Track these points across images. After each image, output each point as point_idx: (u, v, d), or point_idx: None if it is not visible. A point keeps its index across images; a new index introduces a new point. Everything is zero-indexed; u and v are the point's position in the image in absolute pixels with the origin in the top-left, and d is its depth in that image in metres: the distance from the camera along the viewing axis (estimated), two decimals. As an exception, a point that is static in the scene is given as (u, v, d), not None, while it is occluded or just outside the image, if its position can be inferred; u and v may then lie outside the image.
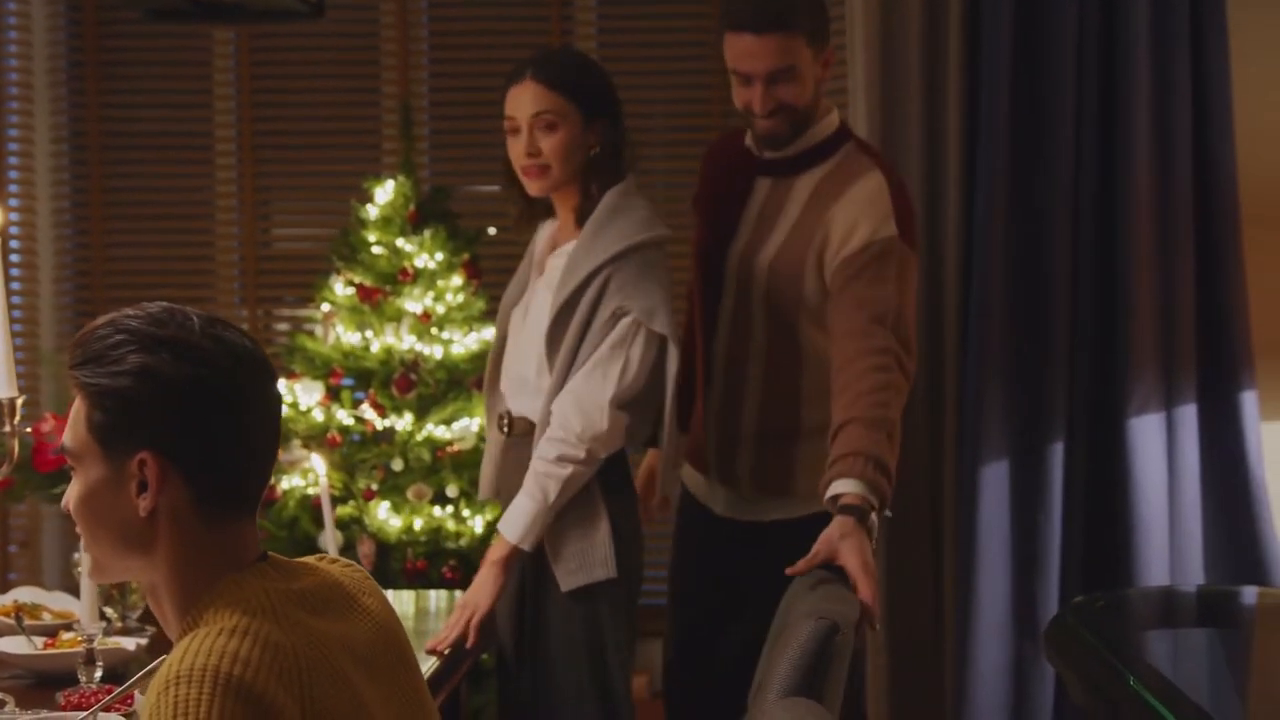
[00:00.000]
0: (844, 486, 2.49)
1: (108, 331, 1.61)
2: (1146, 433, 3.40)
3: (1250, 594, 3.29)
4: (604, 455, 2.71)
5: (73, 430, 1.63)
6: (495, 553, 2.72)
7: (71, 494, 1.65)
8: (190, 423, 1.60)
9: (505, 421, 2.85)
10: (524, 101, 2.73)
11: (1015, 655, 3.49)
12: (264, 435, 1.67)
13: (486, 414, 2.97)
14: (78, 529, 1.67)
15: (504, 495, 2.85)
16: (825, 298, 2.72)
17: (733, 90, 2.78)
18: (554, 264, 2.81)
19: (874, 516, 2.48)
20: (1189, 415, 3.42)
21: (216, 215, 4.40)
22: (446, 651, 2.66)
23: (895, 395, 2.58)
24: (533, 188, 2.77)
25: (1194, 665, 2.86)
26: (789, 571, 2.41)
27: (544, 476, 2.68)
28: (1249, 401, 3.42)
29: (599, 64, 2.92)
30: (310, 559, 1.74)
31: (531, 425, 2.77)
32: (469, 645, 2.69)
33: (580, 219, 2.76)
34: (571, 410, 2.68)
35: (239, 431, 1.63)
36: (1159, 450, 3.41)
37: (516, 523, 2.70)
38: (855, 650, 2.30)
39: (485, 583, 2.70)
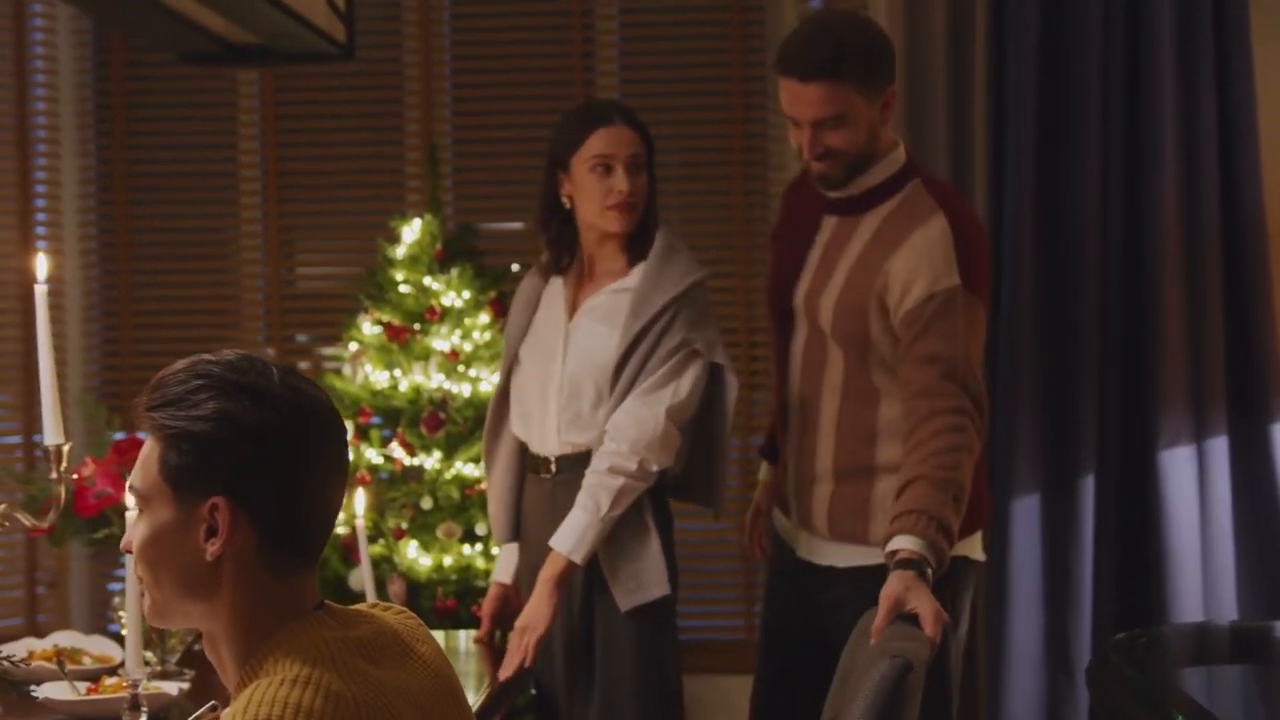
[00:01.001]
0: (904, 542, 2.50)
1: (186, 376, 1.62)
2: (1177, 464, 3.40)
3: (1277, 629, 3.28)
4: (655, 468, 2.82)
5: (143, 471, 1.64)
6: (549, 570, 2.79)
7: (135, 535, 1.65)
8: (265, 470, 1.61)
9: (553, 464, 2.91)
10: (621, 142, 2.88)
11: (1048, 688, 3.48)
12: (333, 487, 1.68)
13: (490, 455, 3.02)
14: (137, 571, 1.67)
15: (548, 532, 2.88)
16: (892, 342, 2.72)
17: (789, 131, 2.80)
18: (604, 302, 2.91)
19: (930, 573, 2.48)
20: (1220, 447, 3.42)
21: (242, 254, 4.42)
22: (511, 676, 2.75)
23: (967, 457, 2.59)
24: (621, 223, 2.89)
25: (1230, 702, 2.85)
26: (873, 640, 2.39)
27: (596, 488, 2.79)
28: (1279, 433, 3.42)
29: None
30: (363, 606, 1.75)
31: (589, 452, 2.86)
32: (527, 665, 2.77)
33: (631, 258, 2.91)
34: (626, 423, 2.80)
35: (311, 482, 1.64)
36: (1190, 482, 3.41)
37: (569, 536, 2.79)
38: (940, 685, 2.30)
39: (541, 601, 2.78)
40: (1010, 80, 3.51)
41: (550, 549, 2.80)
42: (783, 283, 2.87)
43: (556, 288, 2.98)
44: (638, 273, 2.88)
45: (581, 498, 2.79)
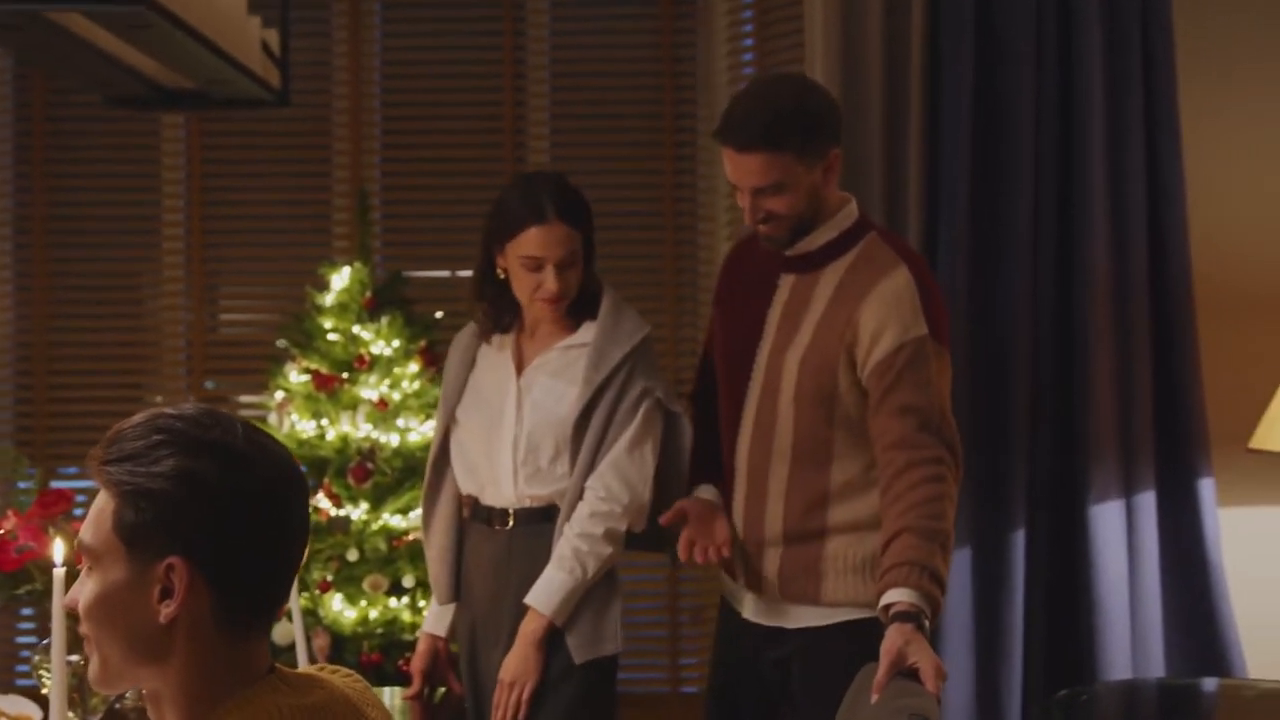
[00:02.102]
0: (898, 595, 2.48)
1: (145, 430, 1.56)
2: (1107, 520, 3.43)
3: (1211, 684, 3.32)
4: (633, 530, 2.85)
5: (95, 528, 1.57)
6: (531, 627, 2.79)
7: (83, 593, 1.58)
8: (227, 532, 1.55)
9: (510, 516, 2.88)
10: (551, 244, 2.83)
11: (979, 743, 3.49)
12: (294, 551, 1.62)
13: (429, 515, 2.97)
14: (83, 631, 1.60)
15: (507, 592, 2.85)
16: (859, 395, 2.70)
17: (736, 194, 2.80)
18: (555, 358, 2.90)
19: (927, 624, 2.47)
20: (1148, 502, 3.45)
21: (163, 299, 4.35)
22: None
23: (949, 505, 2.58)
24: (548, 314, 2.89)
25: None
26: (875, 695, 2.37)
27: (586, 554, 2.79)
28: (1206, 488, 3.46)
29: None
30: (313, 670, 1.71)
31: (550, 506, 2.86)
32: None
33: (575, 318, 2.91)
34: (619, 486, 2.81)
35: (273, 545, 1.59)
36: (1119, 537, 3.44)
37: (552, 597, 2.79)
38: None
39: (528, 655, 2.79)
40: (945, 142, 3.54)
41: (527, 606, 2.79)
42: (740, 345, 2.83)
43: (497, 345, 2.97)
44: (587, 330, 2.89)
45: (566, 559, 2.79)
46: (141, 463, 1.54)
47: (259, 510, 1.57)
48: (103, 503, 1.57)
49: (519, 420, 2.88)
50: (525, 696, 2.77)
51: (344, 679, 1.71)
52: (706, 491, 2.94)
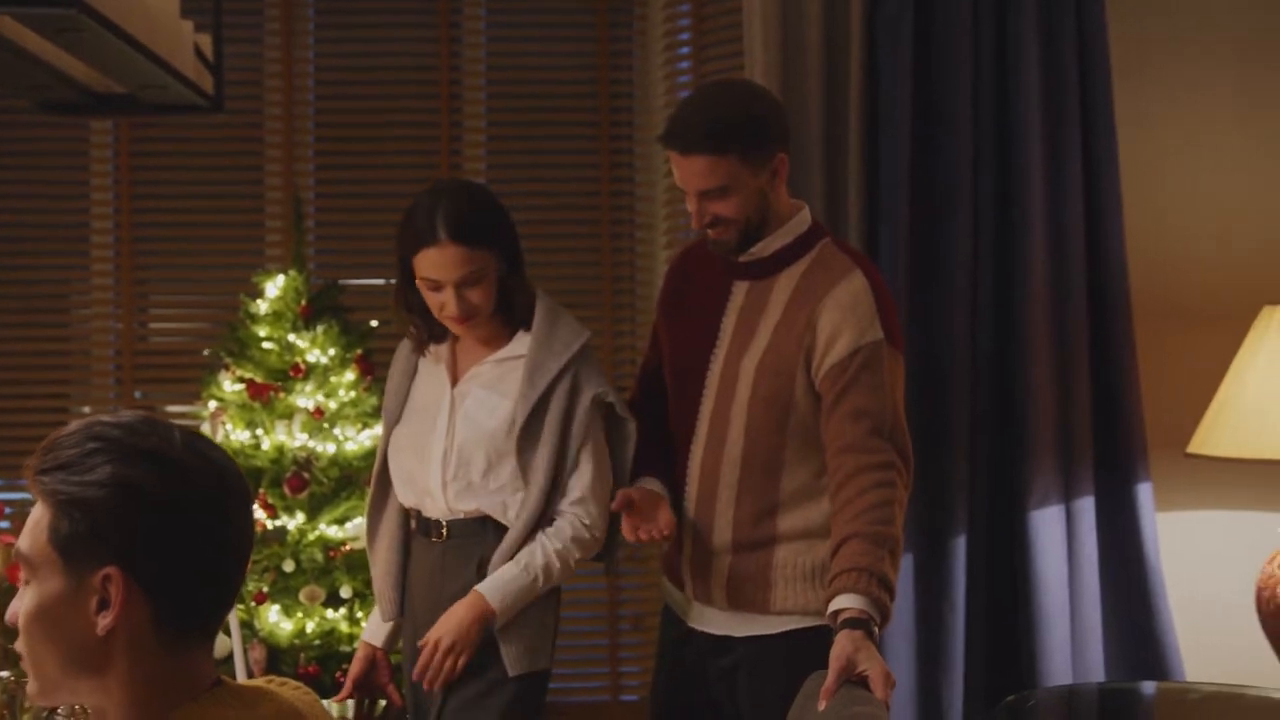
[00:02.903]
0: (847, 601, 2.47)
1: (81, 438, 1.52)
2: (1047, 525, 3.45)
3: (1150, 688, 3.34)
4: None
5: (31, 538, 1.53)
6: (474, 606, 2.72)
7: (21, 606, 1.54)
8: (164, 541, 1.51)
9: (443, 528, 2.82)
10: (446, 266, 2.72)
11: (921, 749, 3.49)
12: (235, 560, 1.59)
13: (373, 530, 2.91)
14: (18, 645, 1.57)
15: (442, 603, 2.78)
16: (813, 401, 2.69)
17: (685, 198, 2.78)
18: (488, 370, 2.83)
19: (877, 631, 2.46)
20: (1087, 507, 3.47)
21: (92, 308, 4.27)
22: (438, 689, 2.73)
23: (898, 510, 2.58)
24: (460, 330, 2.81)
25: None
26: (823, 703, 2.34)
27: (553, 570, 2.75)
28: (1144, 493, 3.48)
29: (487, 191, 2.88)
30: (261, 682, 1.67)
31: (474, 525, 2.79)
32: (437, 686, 2.73)
33: (509, 329, 2.84)
34: (599, 511, 2.78)
35: (213, 555, 1.55)
36: (1059, 542, 3.45)
37: (504, 590, 2.73)
38: None
39: (468, 630, 2.71)
40: (884, 150, 3.54)
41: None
42: (692, 352, 2.82)
43: (434, 356, 2.91)
44: (521, 341, 2.82)
45: (533, 566, 2.74)
46: (75, 471, 1.51)
47: (196, 519, 1.53)
48: (38, 513, 1.54)
49: (450, 433, 2.82)
50: (460, 665, 2.70)
51: (293, 691, 1.67)
52: (650, 483, 2.91)
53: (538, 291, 2.86)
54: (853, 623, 2.44)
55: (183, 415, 4.11)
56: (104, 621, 1.51)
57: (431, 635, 2.72)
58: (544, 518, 2.77)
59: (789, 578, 2.72)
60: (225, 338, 3.86)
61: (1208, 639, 3.57)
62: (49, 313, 4.29)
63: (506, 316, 2.82)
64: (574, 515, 2.77)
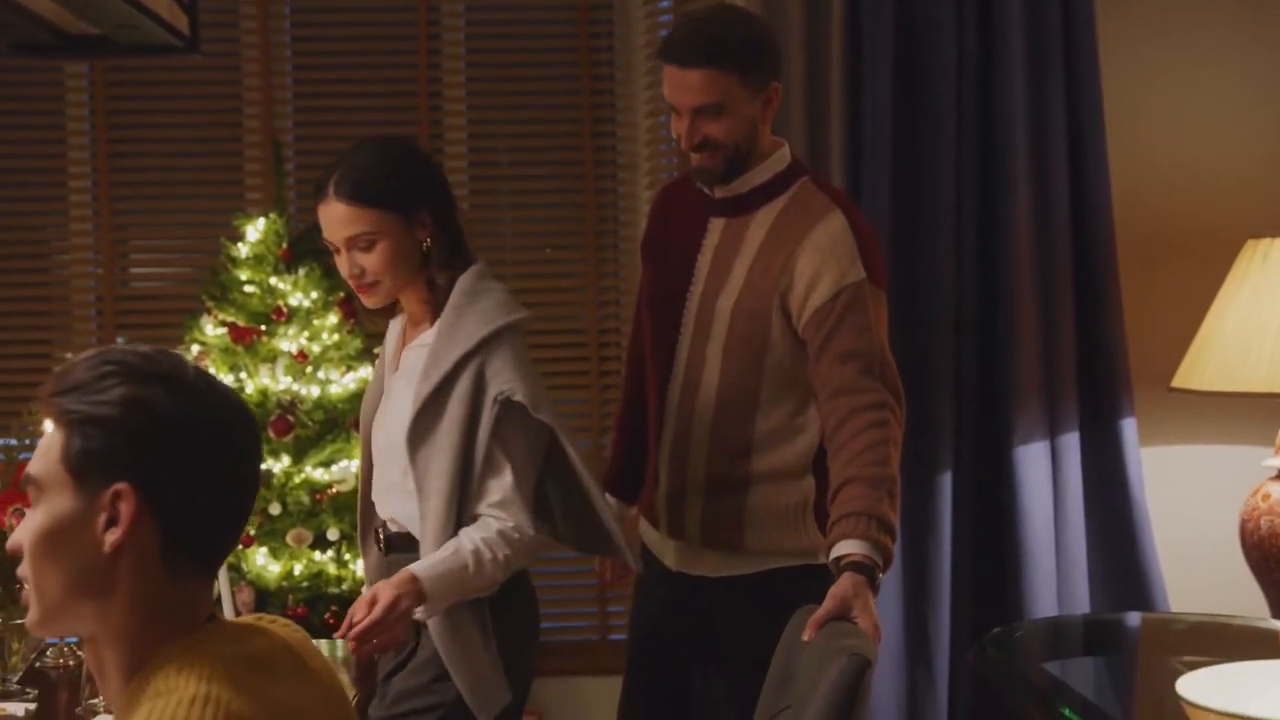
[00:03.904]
0: (849, 547, 2.47)
1: (95, 362, 1.55)
2: (1031, 461, 3.47)
3: (1134, 619, 3.36)
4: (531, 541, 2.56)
5: (42, 460, 1.54)
6: (404, 582, 2.42)
7: (28, 528, 1.55)
8: (176, 461, 1.53)
9: (380, 538, 2.64)
10: (331, 225, 2.54)
11: (908, 682, 3.52)
12: (245, 491, 1.60)
13: (361, 531, 2.74)
14: (21, 571, 1.57)
15: None
16: (791, 343, 2.68)
17: (671, 122, 2.75)
18: (410, 358, 2.62)
19: (880, 576, 2.46)
20: (1072, 443, 3.49)
21: (71, 254, 4.24)
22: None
23: (894, 449, 2.57)
24: (369, 303, 2.60)
25: (1084, 692, 2.91)
26: (809, 634, 2.35)
27: (485, 558, 2.46)
28: (1129, 428, 3.50)
29: (411, 150, 2.64)
30: (252, 619, 1.68)
31: (413, 539, 2.56)
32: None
33: (434, 310, 2.59)
34: (524, 517, 2.52)
35: (224, 481, 1.57)
36: (1044, 478, 3.47)
37: (434, 568, 2.44)
38: None
39: (394, 587, 2.40)
40: (866, 95, 3.54)
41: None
42: (669, 290, 2.80)
43: (390, 342, 2.71)
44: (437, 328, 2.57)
45: (464, 551, 2.46)
46: (89, 392, 1.53)
47: (208, 442, 1.55)
48: (50, 437, 1.55)
49: (381, 426, 2.65)
50: (379, 620, 2.37)
51: (284, 628, 1.68)
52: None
53: (473, 265, 2.59)
54: (856, 567, 2.44)
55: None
56: (112, 538, 1.52)
57: (374, 592, 2.42)
58: (456, 529, 2.50)
59: (762, 519, 2.72)
60: (207, 282, 3.84)
61: (1192, 572, 3.60)
62: (28, 258, 4.26)
63: (434, 296, 2.58)
64: (496, 517, 2.50)
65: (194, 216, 4.22)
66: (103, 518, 1.52)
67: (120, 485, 1.51)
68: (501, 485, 2.50)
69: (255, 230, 3.79)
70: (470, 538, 2.49)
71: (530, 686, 2.71)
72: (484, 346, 2.50)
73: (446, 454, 2.48)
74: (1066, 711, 2.50)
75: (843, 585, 2.42)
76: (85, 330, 4.24)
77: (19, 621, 2.63)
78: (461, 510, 2.50)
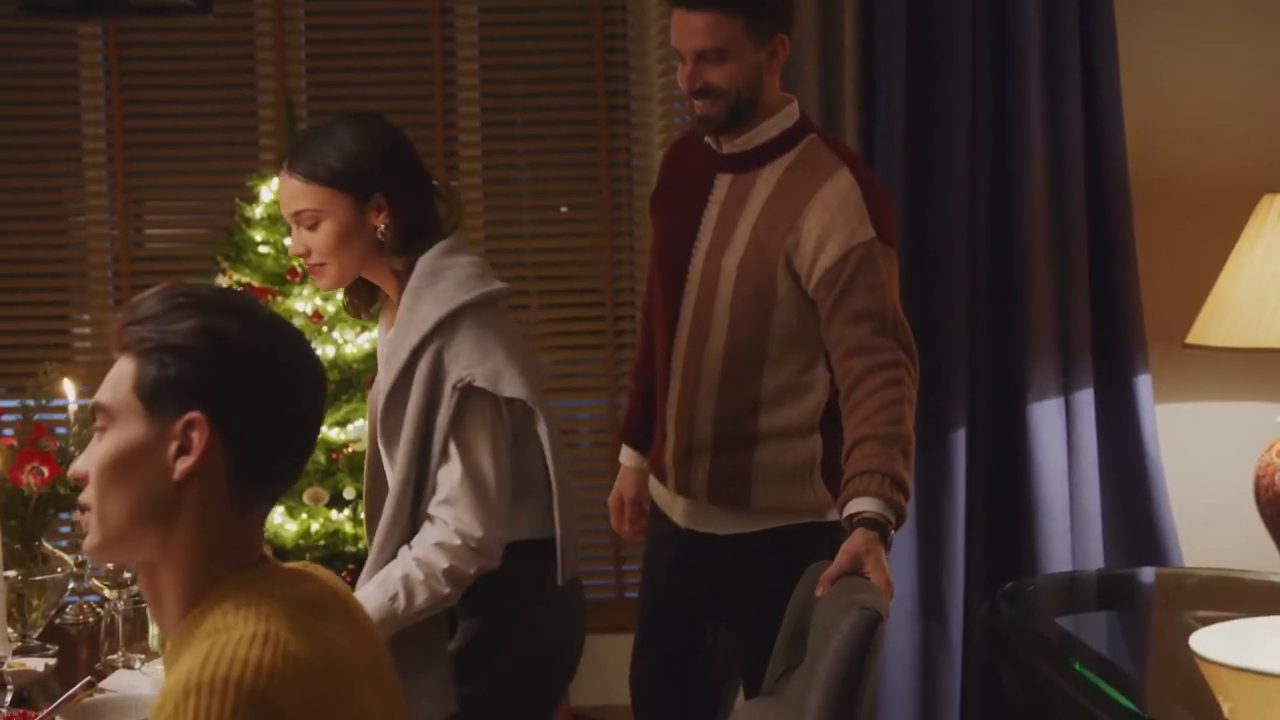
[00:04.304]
0: (862, 504, 2.47)
1: (167, 295, 1.57)
2: (1046, 418, 3.46)
3: (1148, 574, 3.37)
4: (488, 568, 2.38)
5: (113, 388, 1.56)
6: None
7: (95, 455, 1.57)
8: (248, 393, 1.55)
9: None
10: (284, 198, 2.44)
11: (922, 639, 3.53)
12: (310, 428, 1.62)
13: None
14: (85, 498, 1.59)
15: None
16: (798, 301, 2.67)
17: (678, 72, 2.73)
18: (383, 349, 2.52)
19: (892, 534, 2.47)
20: (1086, 400, 3.48)
21: (87, 215, 4.25)
22: None
23: (908, 408, 2.56)
24: (320, 285, 2.51)
25: (1098, 647, 2.93)
26: (821, 589, 2.36)
27: (419, 584, 2.31)
28: (1144, 385, 3.50)
29: (377, 130, 2.48)
30: (298, 565, 1.69)
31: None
32: None
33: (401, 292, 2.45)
34: (469, 516, 2.33)
35: (293, 415, 1.59)
36: (1058, 435, 3.47)
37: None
38: None
39: None
40: (880, 51, 3.52)
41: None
42: (675, 246, 2.79)
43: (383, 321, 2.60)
44: None
45: (392, 582, 2.31)
46: (164, 322, 1.55)
47: (278, 375, 1.57)
48: (122, 367, 1.57)
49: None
50: None
51: (329, 577, 1.69)
52: (628, 458, 3.02)
53: (432, 249, 2.42)
54: (868, 523, 2.45)
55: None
56: (183, 466, 1.53)
57: None
58: (412, 527, 2.37)
59: (769, 477, 2.72)
60: (221, 242, 3.85)
61: (1206, 528, 3.60)
62: (45, 220, 4.27)
63: (398, 280, 2.44)
64: (439, 521, 2.33)
65: (208, 177, 4.23)
66: (173, 446, 1.54)
67: (193, 414, 1.53)
68: (450, 480, 2.34)
69: (269, 190, 3.80)
70: (402, 561, 2.34)
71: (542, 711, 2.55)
72: (440, 330, 2.35)
73: (403, 450, 2.36)
74: (1077, 666, 2.51)
75: (855, 541, 2.42)
76: (102, 292, 4.25)
77: (39, 578, 2.65)
78: (417, 510, 2.38)
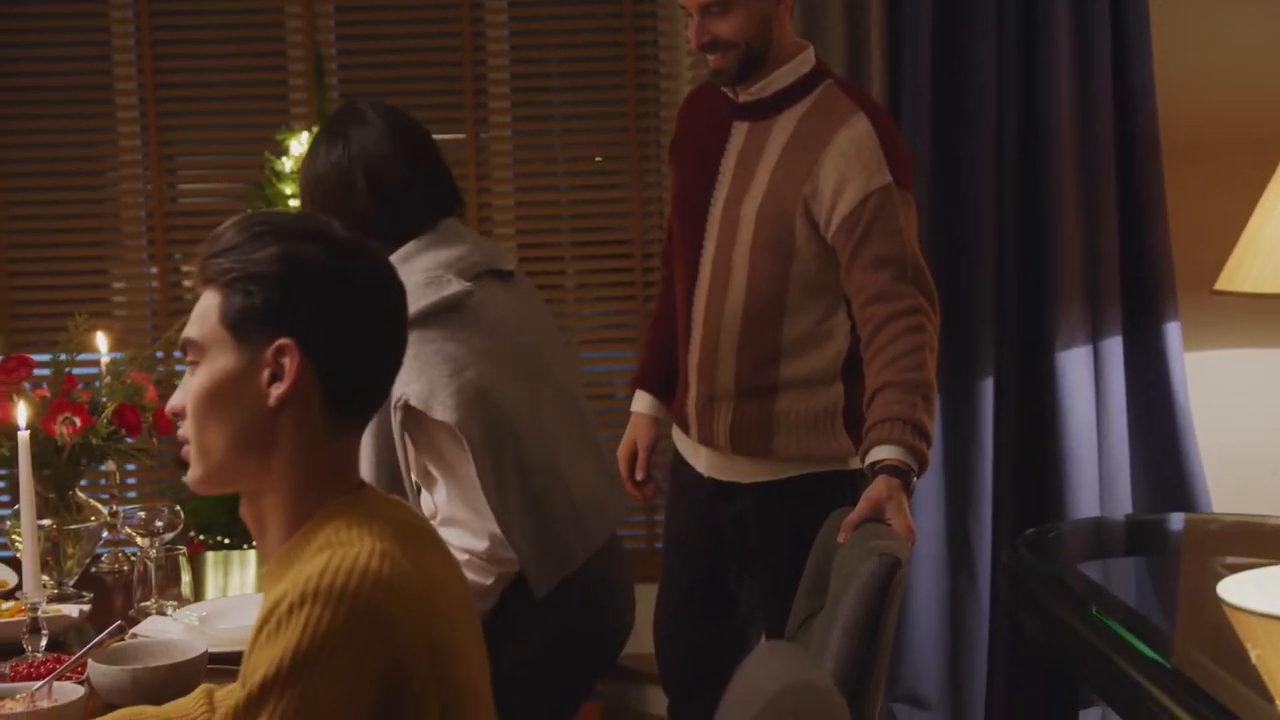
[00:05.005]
0: (884, 452, 2.47)
1: (246, 225, 1.58)
2: (1074, 365, 3.45)
3: (1177, 519, 3.36)
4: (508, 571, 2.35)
5: (201, 322, 1.58)
6: None
7: (189, 389, 1.59)
8: (335, 315, 1.56)
9: None
10: None
11: (950, 586, 3.54)
12: (396, 348, 1.63)
13: None
14: (183, 432, 1.61)
15: None
16: (817, 248, 2.66)
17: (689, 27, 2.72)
18: None
19: (914, 480, 2.47)
20: (1115, 347, 3.47)
21: (121, 171, 4.28)
22: None
23: (930, 355, 2.56)
24: None
25: (1125, 592, 2.93)
26: (843, 535, 2.37)
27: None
28: (1173, 333, 3.48)
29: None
30: (393, 495, 1.70)
31: None
32: None
33: None
34: (472, 529, 2.33)
35: (379, 337, 1.60)
36: (1086, 382, 3.46)
37: None
38: None
39: None
40: (906, 5, 3.50)
41: None
42: (694, 195, 2.78)
43: None
44: None
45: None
46: (245, 251, 1.55)
47: (363, 297, 1.58)
48: (207, 300, 1.58)
49: None
50: None
51: (416, 509, 1.71)
52: (643, 404, 3.00)
53: (399, 250, 2.38)
54: (890, 470, 2.45)
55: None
56: (278, 391, 1.55)
57: None
58: None
59: (791, 425, 2.72)
60: (252, 196, 3.87)
61: (1235, 475, 3.59)
62: (80, 176, 4.30)
63: None
64: (445, 541, 2.21)
65: (239, 131, 4.25)
66: (266, 373, 1.55)
67: (283, 340, 1.54)
68: (441, 500, 2.35)
69: (299, 144, 3.82)
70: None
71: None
72: None
73: (367, 474, 2.35)
74: (1095, 611, 2.51)
75: (877, 488, 2.43)
76: (136, 246, 4.29)
77: (74, 527, 2.69)
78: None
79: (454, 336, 2.31)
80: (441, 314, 2.32)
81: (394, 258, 2.32)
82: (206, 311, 1.57)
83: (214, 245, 1.57)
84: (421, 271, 2.34)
